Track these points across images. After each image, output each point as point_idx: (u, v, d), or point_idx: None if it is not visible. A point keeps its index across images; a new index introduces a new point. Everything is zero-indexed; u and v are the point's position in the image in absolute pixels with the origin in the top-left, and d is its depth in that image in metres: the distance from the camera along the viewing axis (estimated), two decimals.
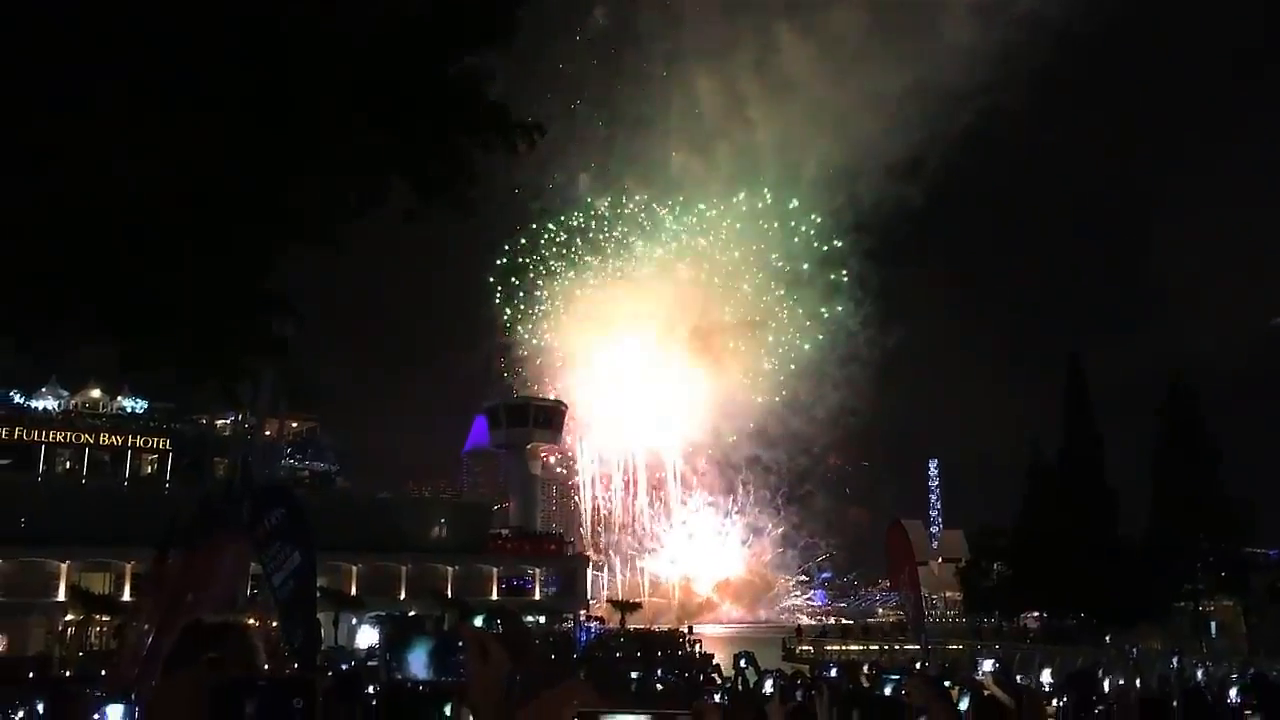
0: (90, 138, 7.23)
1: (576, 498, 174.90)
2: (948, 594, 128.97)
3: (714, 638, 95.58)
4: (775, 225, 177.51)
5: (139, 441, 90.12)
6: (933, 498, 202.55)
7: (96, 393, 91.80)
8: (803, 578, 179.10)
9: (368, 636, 78.11)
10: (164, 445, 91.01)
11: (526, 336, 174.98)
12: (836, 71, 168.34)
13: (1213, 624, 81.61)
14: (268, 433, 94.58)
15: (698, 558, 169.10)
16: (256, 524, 17.43)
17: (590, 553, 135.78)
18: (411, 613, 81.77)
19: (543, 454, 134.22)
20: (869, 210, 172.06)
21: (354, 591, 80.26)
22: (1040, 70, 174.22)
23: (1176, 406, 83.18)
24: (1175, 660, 29.57)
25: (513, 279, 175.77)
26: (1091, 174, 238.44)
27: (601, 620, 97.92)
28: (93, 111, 7.16)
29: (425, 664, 10.05)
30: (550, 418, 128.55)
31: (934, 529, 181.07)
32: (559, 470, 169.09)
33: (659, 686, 26.90)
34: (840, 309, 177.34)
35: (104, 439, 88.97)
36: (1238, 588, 79.90)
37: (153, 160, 7.39)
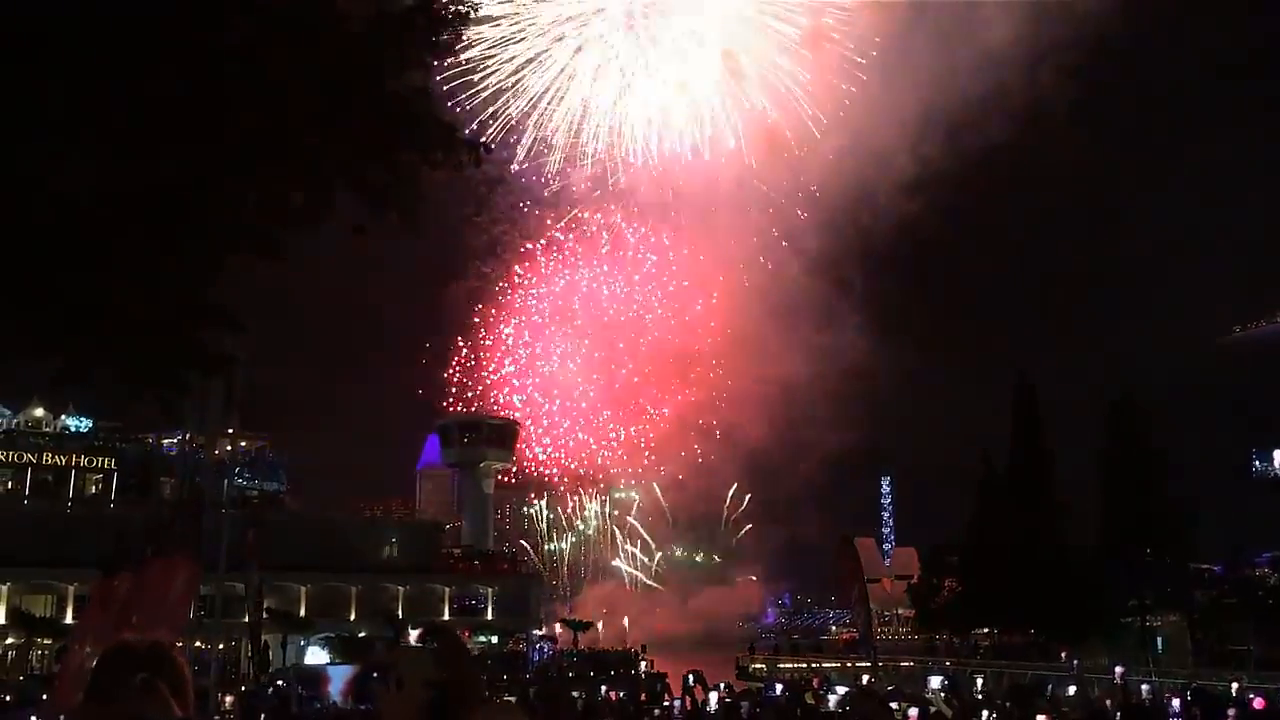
0: (23, 138, 7.15)
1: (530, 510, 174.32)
2: (900, 611, 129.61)
3: (670, 655, 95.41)
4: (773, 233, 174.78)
5: (83, 461, 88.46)
6: (885, 514, 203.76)
7: (39, 411, 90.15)
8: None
9: (316, 657, 77.36)
10: (109, 465, 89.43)
11: (486, 351, 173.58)
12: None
13: (1159, 639, 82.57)
14: (215, 452, 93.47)
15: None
16: (241, 542, 17.41)
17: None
18: (361, 634, 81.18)
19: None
20: (849, 224, 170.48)
21: (303, 613, 79.38)
22: (1032, 90, 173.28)
23: (1122, 421, 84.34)
24: (1119, 675, 29.94)
25: (475, 291, 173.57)
26: (1054, 191, 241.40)
27: (554, 640, 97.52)
28: (26, 110, 7.09)
29: (343, 692, 10.01)
30: (503, 436, 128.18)
31: (887, 545, 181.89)
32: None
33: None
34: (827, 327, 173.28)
35: (47, 459, 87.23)
36: (1183, 603, 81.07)
37: (90, 163, 7.34)
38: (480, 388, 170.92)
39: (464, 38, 10.18)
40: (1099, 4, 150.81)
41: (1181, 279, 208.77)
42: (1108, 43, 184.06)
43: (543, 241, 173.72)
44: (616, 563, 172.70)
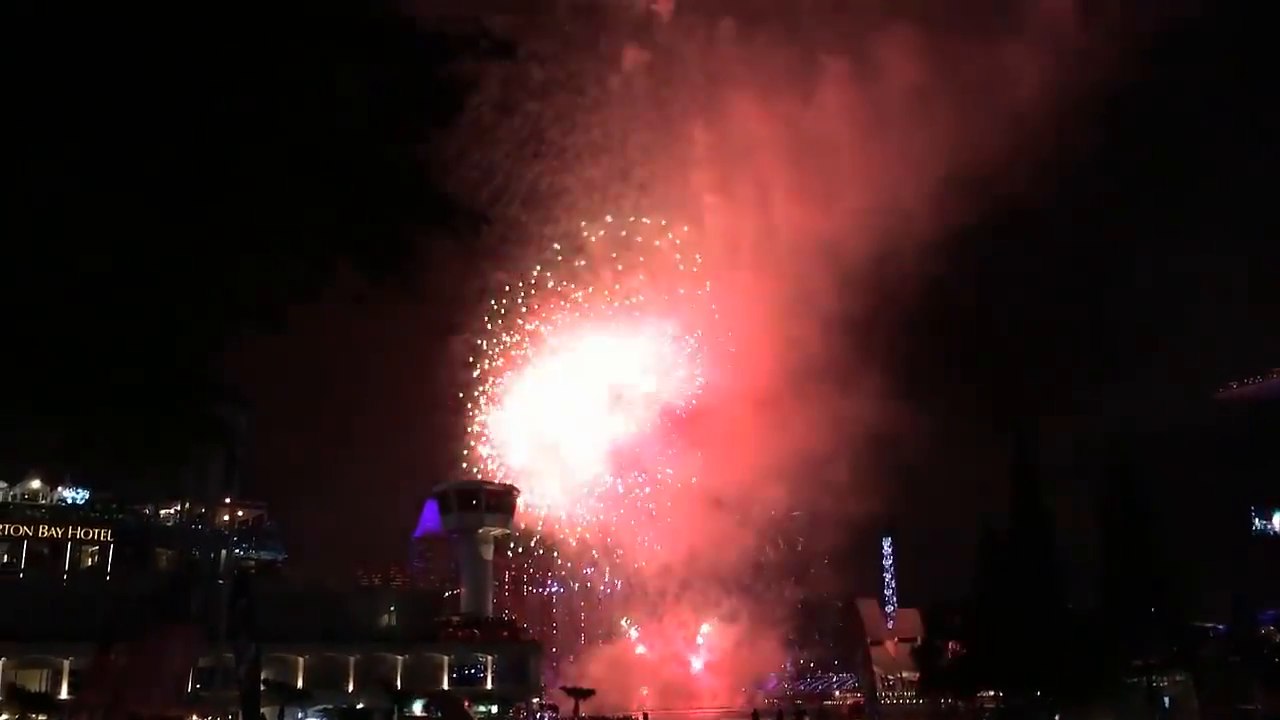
0: (33, 219, 7.25)
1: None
2: (904, 674, 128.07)
3: None
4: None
5: (80, 533, 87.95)
6: (887, 576, 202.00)
7: (36, 483, 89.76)
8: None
9: None
10: (106, 536, 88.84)
11: (485, 416, 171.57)
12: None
13: (1166, 699, 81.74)
14: (214, 521, 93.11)
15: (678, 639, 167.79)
16: (230, 612, 17.33)
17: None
18: (359, 705, 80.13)
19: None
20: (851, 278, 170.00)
21: (300, 684, 78.39)
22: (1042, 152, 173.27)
23: (1120, 483, 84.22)
24: None
25: (475, 354, 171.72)
26: (1049, 251, 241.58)
27: (556, 709, 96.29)
28: (34, 191, 7.19)
29: None
30: (502, 502, 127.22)
31: (889, 608, 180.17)
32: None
33: None
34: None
35: (43, 531, 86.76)
36: (1187, 662, 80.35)
37: (98, 241, 7.43)
38: (480, 451, 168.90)
39: (462, 110, 10.35)
40: (1095, 74, 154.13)
41: (1179, 334, 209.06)
42: (1108, 105, 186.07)
43: (561, 308, 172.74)
44: (623, 622, 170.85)
